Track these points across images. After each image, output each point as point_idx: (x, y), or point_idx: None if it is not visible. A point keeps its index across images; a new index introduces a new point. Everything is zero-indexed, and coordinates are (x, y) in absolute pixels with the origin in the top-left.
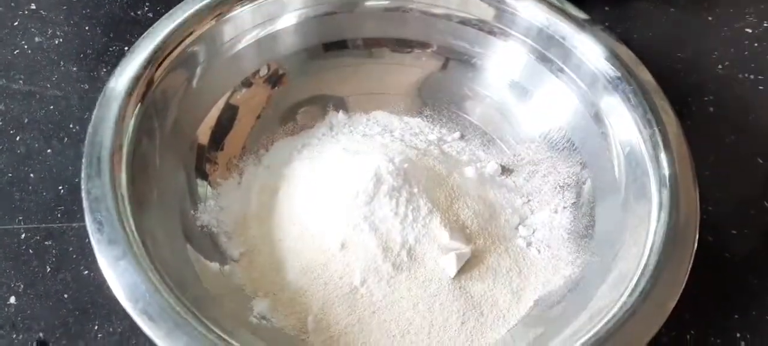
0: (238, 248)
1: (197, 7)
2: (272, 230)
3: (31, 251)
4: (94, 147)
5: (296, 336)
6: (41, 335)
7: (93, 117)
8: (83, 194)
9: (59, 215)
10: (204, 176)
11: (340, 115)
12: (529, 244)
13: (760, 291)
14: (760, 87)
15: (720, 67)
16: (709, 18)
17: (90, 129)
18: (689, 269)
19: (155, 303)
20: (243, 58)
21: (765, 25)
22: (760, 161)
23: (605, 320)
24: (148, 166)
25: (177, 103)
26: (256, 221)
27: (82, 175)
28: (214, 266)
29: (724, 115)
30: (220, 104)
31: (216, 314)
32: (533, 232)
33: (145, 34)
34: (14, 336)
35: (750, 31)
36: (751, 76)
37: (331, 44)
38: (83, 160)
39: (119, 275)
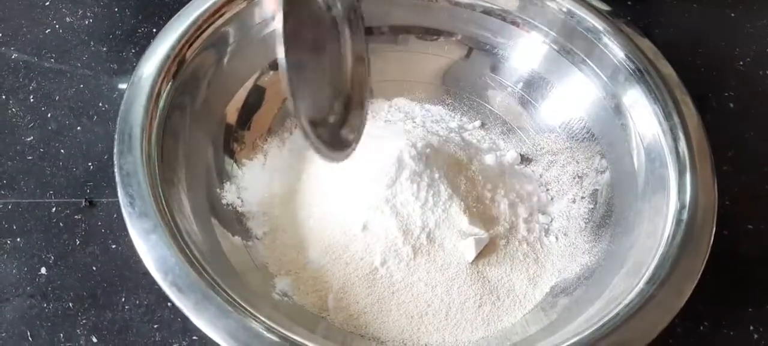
0: (261, 226)
1: None
2: (295, 211)
3: (61, 224)
4: (126, 124)
5: (317, 314)
6: (70, 304)
7: (125, 94)
8: (116, 169)
9: (89, 190)
10: (231, 155)
11: None
12: (546, 232)
13: None
14: None
15: (741, 63)
16: (732, 14)
17: (122, 106)
18: (705, 261)
19: (184, 276)
20: (270, 42)
21: None
22: None
23: (621, 306)
24: (177, 143)
25: (206, 82)
26: (279, 201)
27: (115, 150)
28: (239, 242)
29: (744, 111)
30: (248, 85)
31: (240, 288)
32: (551, 220)
33: (177, 14)
34: (45, 305)
35: None
36: None
37: None
38: (116, 137)
39: (150, 247)
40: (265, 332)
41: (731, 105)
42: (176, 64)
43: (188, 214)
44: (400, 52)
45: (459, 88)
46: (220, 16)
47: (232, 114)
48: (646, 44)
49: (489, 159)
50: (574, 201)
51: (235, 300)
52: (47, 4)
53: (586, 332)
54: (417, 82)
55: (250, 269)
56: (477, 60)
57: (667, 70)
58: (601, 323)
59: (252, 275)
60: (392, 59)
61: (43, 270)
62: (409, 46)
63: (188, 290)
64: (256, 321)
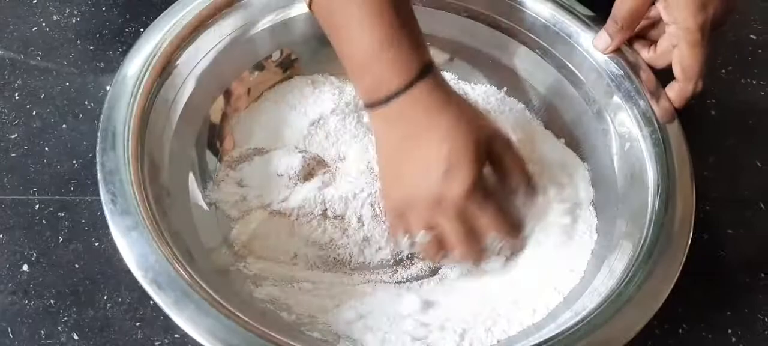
0: (243, 226)
1: None
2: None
3: (44, 221)
4: (109, 122)
5: (294, 322)
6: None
7: (109, 93)
8: (98, 166)
9: (73, 188)
10: (215, 153)
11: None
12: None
13: (752, 290)
14: (762, 93)
15: (723, 71)
16: None
17: (106, 104)
18: (682, 263)
19: (164, 273)
20: (257, 42)
21: None
22: (759, 165)
23: (599, 308)
24: (161, 141)
25: (191, 81)
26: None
27: (98, 148)
28: (221, 241)
29: (725, 118)
30: (233, 85)
31: (220, 287)
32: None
33: (162, 13)
34: (26, 302)
35: (755, 37)
36: (754, 82)
37: None
38: (98, 134)
39: (131, 244)
40: (244, 330)
41: (713, 112)
42: (161, 63)
43: (171, 212)
44: None
45: None
46: (206, 16)
47: (216, 113)
48: (627, 50)
49: None
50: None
51: (215, 298)
52: (34, 1)
53: (565, 333)
54: None
55: (231, 268)
56: (460, 64)
57: (648, 75)
58: (579, 323)
59: (233, 275)
60: None
61: (25, 267)
62: None
63: (168, 288)
64: (235, 319)
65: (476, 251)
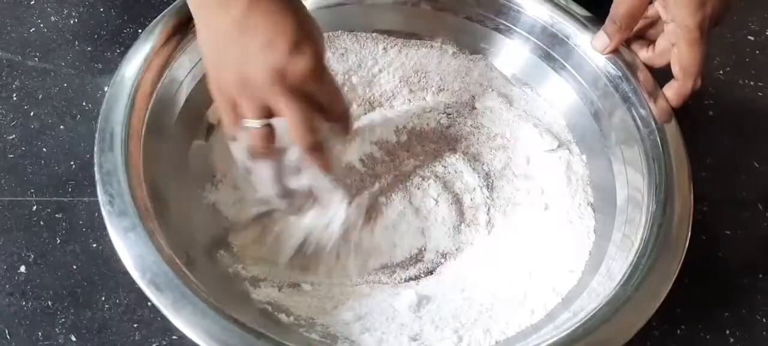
0: (243, 227)
1: None
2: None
3: (41, 222)
4: (107, 123)
5: (293, 324)
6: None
7: (107, 94)
8: (96, 168)
9: (70, 189)
10: None
11: None
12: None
13: (750, 290)
14: (760, 93)
15: (721, 72)
16: None
17: (104, 105)
18: (680, 264)
19: (162, 274)
20: None
21: (767, 33)
22: (757, 165)
23: (597, 308)
24: (159, 143)
25: (189, 83)
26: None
27: (95, 149)
28: (219, 244)
29: (723, 119)
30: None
31: (219, 288)
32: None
33: (161, 14)
34: (24, 304)
35: (752, 38)
36: (751, 83)
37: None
38: (96, 135)
39: (128, 246)
40: (242, 332)
41: (710, 113)
42: (159, 64)
43: (169, 213)
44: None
45: (441, 91)
46: None
47: (215, 114)
48: (625, 51)
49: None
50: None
51: (213, 300)
52: (32, 3)
53: (563, 333)
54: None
55: (229, 269)
56: (459, 65)
57: (646, 76)
58: (577, 324)
59: (232, 276)
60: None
61: (23, 269)
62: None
63: (166, 289)
64: (233, 321)
65: (313, 140)
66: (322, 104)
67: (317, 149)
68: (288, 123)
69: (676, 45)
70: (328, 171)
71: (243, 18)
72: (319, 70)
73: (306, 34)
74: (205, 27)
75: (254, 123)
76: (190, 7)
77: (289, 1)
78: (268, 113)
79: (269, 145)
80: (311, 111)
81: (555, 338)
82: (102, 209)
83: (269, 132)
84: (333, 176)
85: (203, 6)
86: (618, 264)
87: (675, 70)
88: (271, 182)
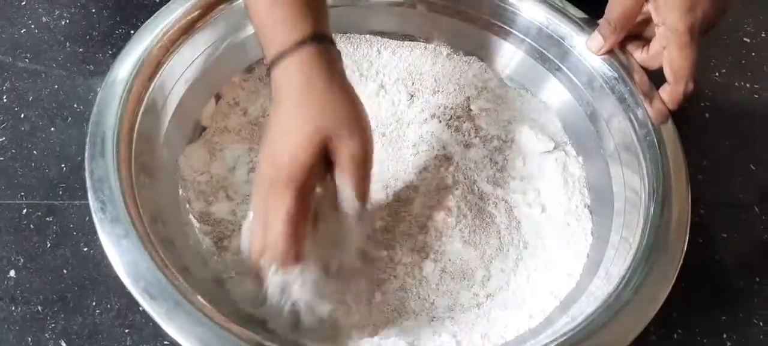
0: (234, 234)
1: None
2: None
3: (32, 226)
4: (98, 127)
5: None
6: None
7: (98, 97)
8: (87, 174)
9: (61, 192)
10: None
11: None
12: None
13: (747, 294)
14: (756, 95)
15: (717, 74)
16: None
17: (95, 109)
18: (679, 267)
19: (156, 282)
20: (247, 46)
21: (763, 35)
22: (753, 168)
23: (596, 312)
24: (151, 147)
25: (181, 85)
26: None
27: (86, 155)
28: (212, 249)
29: (719, 121)
30: (224, 89)
31: (212, 295)
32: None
33: (153, 16)
34: (13, 308)
35: (748, 40)
36: (747, 85)
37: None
38: (87, 140)
39: (121, 253)
40: (238, 340)
41: (707, 115)
42: (151, 67)
43: (162, 219)
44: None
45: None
46: (196, 19)
47: (207, 117)
48: (620, 52)
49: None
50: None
51: (207, 308)
52: (23, 3)
53: (562, 338)
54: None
55: (224, 276)
56: (455, 66)
57: (642, 78)
58: (575, 328)
59: (227, 283)
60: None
61: (12, 273)
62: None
63: (160, 297)
64: (228, 329)
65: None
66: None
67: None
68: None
69: (666, 48)
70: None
71: (275, 106)
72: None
73: (296, 146)
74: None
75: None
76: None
77: (315, 102)
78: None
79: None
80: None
81: (554, 343)
82: (93, 216)
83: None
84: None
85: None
86: (616, 267)
87: (667, 73)
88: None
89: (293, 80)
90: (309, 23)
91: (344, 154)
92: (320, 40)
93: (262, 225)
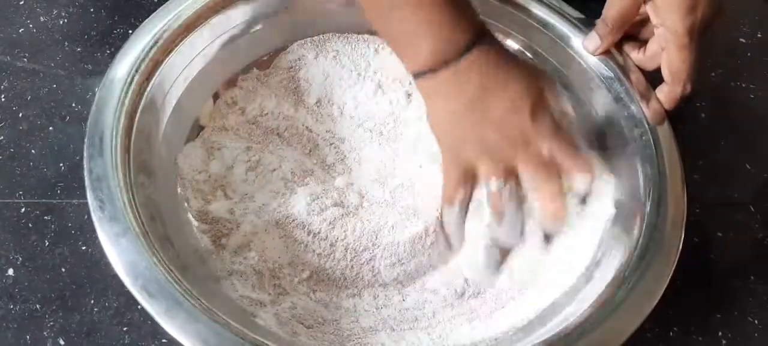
0: (233, 235)
1: None
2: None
3: (30, 225)
4: (97, 126)
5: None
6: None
7: (97, 96)
8: (85, 173)
9: (59, 191)
10: None
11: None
12: None
13: (742, 293)
14: (752, 96)
15: (713, 74)
16: None
17: (93, 108)
18: (674, 265)
19: (155, 280)
20: (245, 45)
21: (759, 35)
22: (749, 167)
23: (591, 310)
24: (150, 147)
25: (180, 84)
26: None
27: (85, 153)
28: (211, 247)
29: (715, 121)
30: (223, 88)
31: (212, 294)
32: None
33: (151, 15)
34: (11, 307)
35: (744, 41)
36: (743, 85)
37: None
38: (86, 139)
39: (120, 252)
40: (236, 338)
41: (703, 115)
42: (149, 66)
43: (160, 218)
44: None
45: None
46: (195, 18)
47: (206, 117)
48: (617, 52)
49: None
50: None
51: (206, 306)
52: (21, 3)
53: (557, 336)
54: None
55: (223, 275)
56: None
57: (638, 77)
58: (572, 326)
59: (225, 282)
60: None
61: (11, 271)
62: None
63: (159, 296)
64: (227, 327)
65: (559, 205)
66: (561, 158)
67: (561, 215)
68: (529, 188)
69: (665, 49)
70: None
71: (481, 90)
72: (556, 129)
73: (539, 94)
74: (441, 104)
75: (497, 184)
76: (417, 88)
77: (522, 67)
78: (509, 175)
79: (508, 203)
80: (557, 179)
81: (549, 341)
82: (92, 214)
83: (510, 190)
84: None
85: (436, 85)
86: (611, 266)
87: (665, 74)
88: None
89: (498, 59)
90: (476, 13)
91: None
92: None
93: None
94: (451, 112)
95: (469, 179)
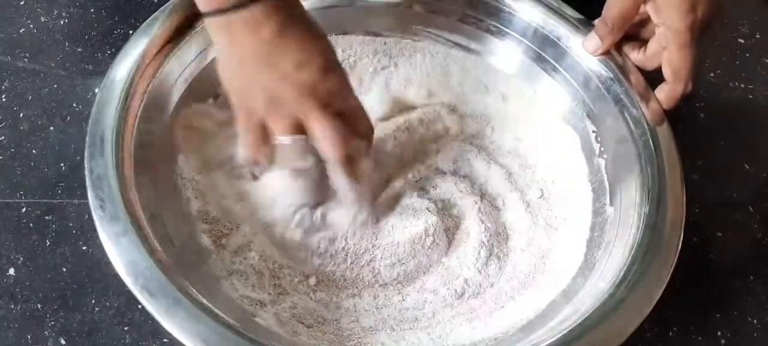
0: (234, 235)
1: None
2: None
3: (31, 225)
4: (97, 126)
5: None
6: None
7: (98, 96)
8: (86, 172)
9: (60, 191)
10: None
11: None
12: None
13: (741, 292)
14: (750, 96)
15: (712, 75)
16: None
17: (94, 108)
18: (674, 265)
19: (155, 280)
20: None
21: (757, 36)
22: (747, 167)
23: (591, 310)
24: (151, 145)
25: (180, 87)
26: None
27: (86, 153)
28: (211, 247)
29: (714, 121)
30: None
31: (212, 293)
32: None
33: (152, 16)
34: (12, 307)
35: (742, 41)
36: (742, 85)
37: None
38: (86, 139)
39: (121, 251)
40: (237, 336)
41: (702, 115)
42: (150, 67)
43: (161, 217)
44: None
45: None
46: (195, 19)
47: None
48: (617, 53)
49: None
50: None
51: (206, 305)
52: (22, 3)
53: (557, 336)
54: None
55: (223, 275)
56: (451, 66)
57: (638, 78)
58: (571, 326)
59: (225, 281)
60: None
61: (12, 271)
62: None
63: (160, 295)
64: (228, 325)
65: (344, 153)
66: (348, 122)
67: (348, 161)
68: (320, 137)
69: (666, 48)
70: (356, 180)
71: (274, 40)
72: (347, 90)
73: (333, 57)
74: (229, 49)
75: (287, 139)
76: (208, 29)
77: (317, 28)
78: (299, 130)
79: (303, 157)
80: (342, 125)
81: (548, 341)
82: (93, 214)
83: (303, 146)
84: (359, 186)
85: (227, 28)
86: (611, 266)
87: (666, 73)
88: (302, 192)
89: (287, 16)
90: None
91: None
92: None
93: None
94: (239, 60)
95: (261, 131)
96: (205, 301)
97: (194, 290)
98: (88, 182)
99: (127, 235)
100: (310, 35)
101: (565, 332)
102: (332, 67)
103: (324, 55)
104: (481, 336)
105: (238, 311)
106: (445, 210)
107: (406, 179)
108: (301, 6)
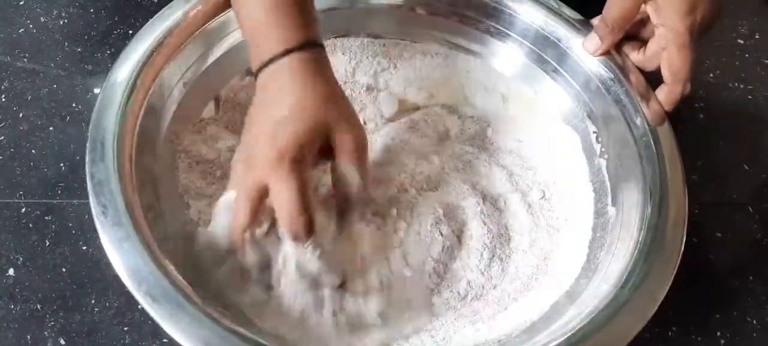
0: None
1: None
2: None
3: (30, 225)
4: (98, 131)
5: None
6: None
7: (98, 100)
8: (87, 178)
9: (60, 191)
10: None
11: None
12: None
13: (741, 293)
14: (749, 97)
15: (711, 75)
16: None
17: (95, 112)
18: (677, 266)
19: (158, 285)
20: (247, 49)
21: (756, 36)
22: (747, 168)
23: (595, 312)
24: (152, 149)
25: (180, 89)
26: None
27: (87, 158)
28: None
29: (713, 122)
30: (224, 91)
31: (214, 297)
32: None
33: (152, 18)
34: (12, 307)
35: (742, 42)
36: (741, 86)
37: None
38: (87, 144)
39: (123, 256)
40: (241, 341)
41: (701, 116)
42: (151, 70)
43: (163, 221)
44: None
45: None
46: (196, 22)
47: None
48: (617, 54)
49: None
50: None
51: (209, 310)
52: (21, 3)
53: (560, 338)
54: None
55: (227, 281)
56: (452, 67)
57: (638, 79)
58: (576, 328)
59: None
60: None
61: (11, 271)
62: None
63: (163, 300)
64: (231, 329)
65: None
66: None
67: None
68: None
69: (666, 49)
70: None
71: (260, 108)
72: (299, 170)
73: (315, 129)
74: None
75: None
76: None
77: (314, 89)
78: (262, 192)
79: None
80: (297, 196)
81: (552, 343)
82: (95, 219)
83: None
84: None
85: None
86: (614, 267)
87: (665, 74)
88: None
89: (295, 77)
90: (307, 29)
91: (347, 141)
92: (316, 46)
93: (248, 202)
94: (248, 113)
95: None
96: (208, 305)
97: (197, 295)
98: (89, 188)
99: (130, 240)
100: (296, 103)
101: (569, 334)
102: (305, 144)
103: (300, 124)
104: (484, 338)
105: (240, 314)
106: (448, 212)
107: (407, 181)
108: (315, 68)
